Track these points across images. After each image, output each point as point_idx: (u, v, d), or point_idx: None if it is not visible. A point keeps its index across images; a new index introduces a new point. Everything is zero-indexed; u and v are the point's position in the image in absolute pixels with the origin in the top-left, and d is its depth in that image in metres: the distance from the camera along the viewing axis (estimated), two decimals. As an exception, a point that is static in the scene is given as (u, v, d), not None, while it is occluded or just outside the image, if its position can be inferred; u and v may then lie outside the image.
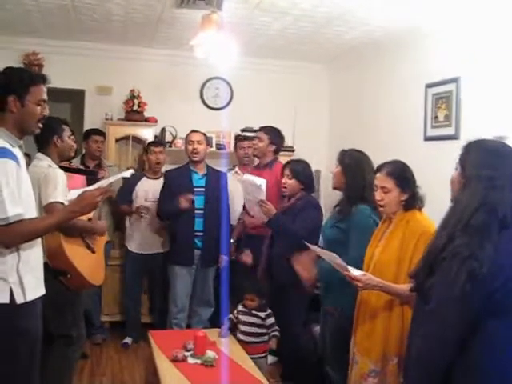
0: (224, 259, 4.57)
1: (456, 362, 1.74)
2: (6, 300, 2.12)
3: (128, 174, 2.83)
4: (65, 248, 2.81)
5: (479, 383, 1.74)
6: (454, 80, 3.98)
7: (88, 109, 5.68)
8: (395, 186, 2.72)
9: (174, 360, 3.31)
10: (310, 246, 3.00)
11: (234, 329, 3.85)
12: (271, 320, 3.77)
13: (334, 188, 3.47)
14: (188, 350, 3.42)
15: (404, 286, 2.52)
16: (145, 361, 4.38)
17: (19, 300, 2.15)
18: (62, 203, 2.81)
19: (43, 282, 2.34)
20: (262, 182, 3.93)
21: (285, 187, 3.93)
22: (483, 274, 1.65)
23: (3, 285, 2.13)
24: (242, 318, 3.81)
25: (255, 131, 5.70)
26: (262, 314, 3.78)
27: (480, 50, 3.77)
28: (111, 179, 2.77)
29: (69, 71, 5.19)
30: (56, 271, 2.45)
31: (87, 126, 5.46)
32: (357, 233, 3.10)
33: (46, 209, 2.41)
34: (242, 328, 3.80)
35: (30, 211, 2.24)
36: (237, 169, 5.15)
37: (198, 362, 3.30)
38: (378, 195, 2.77)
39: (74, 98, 6.00)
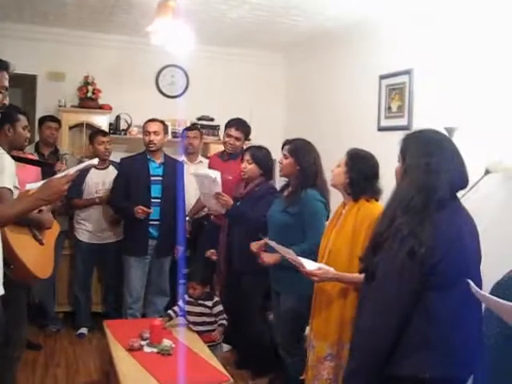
0: (180, 250, 4.56)
1: (400, 336, 1.84)
2: None
3: (95, 162, 2.75)
4: (8, 236, 2.66)
5: (422, 355, 1.84)
6: (407, 72, 4.07)
7: (40, 95, 5.54)
8: (345, 165, 2.84)
9: (130, 349, 3.30)
10: (267, 240, 3.05)
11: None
12: (218, 308, 3.77)
13: (283, 175, 3.53)
14: (144, 339, 3.42)
15: (358, 274, 2.59)
16: (100, 351, 4.36)
17: None
18: (9, 189, 2.65)
19: (2, 282, 2.22)
20: (216, 174, 3.90)
21: (244, 172, 3.95)
22: (422, 251, 1.79)
23: None
24: (189, 308, 3.80)
25: (212, 120, 5.72)
26: (209, 303, 3.77)
27: (433, 42, 3.86)
28: (79, 167, 2.62)
29: (20, 55, 5.01)
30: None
31: (39, 112, 5.32)
32: (312, 219, 3.20)
33: None
34: (191, 318, 3.79)
35: None
36: (183, 157, 5.13)
37: (155, 350, 3.31)
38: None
39: (26, 84, 5.83)
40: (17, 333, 3.02)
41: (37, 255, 2.97)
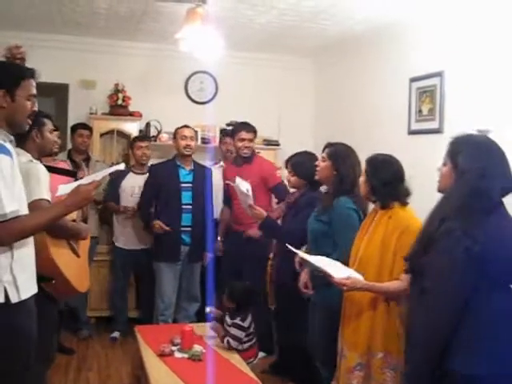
0: (208, 256, 4.57)
1: (454, 334, 1.89)
2: (1, 299, 2.06)
3: (122, 166, 2.76)
4: (51, 251, 2.68)
5: (472, 353, 1.89)
6: (438, 74, 4.01)
7: (72, 103, 5.64)
8: (365, 173, 2.82)
9: (161, 355, 3.31)
10: (295, 250, 3.00)
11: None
12: (234, 331, 3.57)
13: (318, 179, 3.45)
14: (175, 345, 3.43)
15: (388, 284, 2.60)
16: (131, 356, 4.38)
17: (14, 299, 2.09)
18: (48, 200, 2.67)
19: (36, 280, 2.27)
20: (247, 186, 3.82)
21: (289, 183, 3.89)
22: (476, 249, 1.83)
23: None
24: (230, 329, 3.64)
25: (233, 129, 5.62)
26: (229, 321, 3.62)
27: (464, 43, 3.80)
28: (105, 172, 2.65)
29: (52, 65, 5.12)
30: (39, 277, 2.35)
31: (71, 120, 5.42)
32: (341, 227, 3.11)
33: (31, 206, 2.32)
34: (230, 340, 3.62)
35: (24, 207, 2.18)
36: (222, 163, 5.16)
37: (185, 356, 3.31)
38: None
39: (58, 93, 5.94)
40: (46, 345, 2.93)
41: (76, 269, 2.96)
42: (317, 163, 3.41)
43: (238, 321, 3.60)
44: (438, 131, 3.99)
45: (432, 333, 1.92)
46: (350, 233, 2.97)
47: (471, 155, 2.01)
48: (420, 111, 4.24)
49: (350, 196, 3.15)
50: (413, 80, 4.32)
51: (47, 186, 2.74)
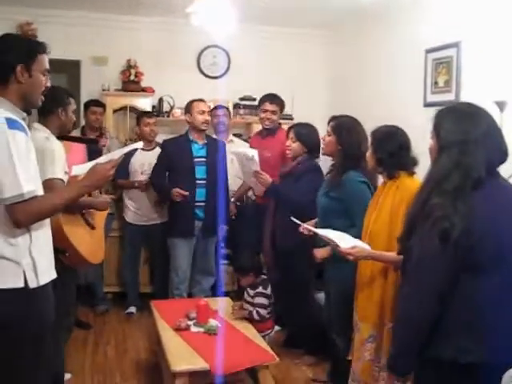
0: (223, 229, 4.58)
1: (440, 320, 1.80)
2: (21, 284, 2.01)
3: (140, 145, 2.75)
4: (63, 225, 2.71)
5: (462, 340, 1.80)
6: (455, 45, 3.93)
7: (84, 80, 5.62)
8: (371, 146, 2.83)
9: (177, 329, 3.35)
10: (301, 223, 3.00)
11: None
12: (259, 300, 3.69)
13: (325, 154, 3.46)
14: (191, 319, 3.47)
15: (395, 254, 2.56)
16: (148, 330, 4.44)
17: (32, 284, 2.03)
18: (62, 180, 2.69)
19: (54, 264, 2.24)
20: (253, 152, 3.90)
21: (289, 150, 3.91)
22: (455, 234, 1.72)
23: (16, 268, 2.01)
24: (254, 300, 3.73)
25: (254, 99, 5.66)
26: (251, 292, 3.73)
27: (481, 13, 3.71)
28: (123, 150, 2.59)
29: (63, 41, 5.09)
30: (54, 249, 2.36)
31: (84, 97, 5.41)
32: (357, 203, 3.09)
33: (44, 185, 2.31)
34: (243, 304, 3.79)
35: (40, 187, 2.11)
36: (231, 137, 5.16)
37: (201, 330, 3.35)
38: None
39: (70, 69, 5.92)
40: (65, 315, 3.04)
41: (89, 241, 3.01)
42: (322, 137, 3.41)
43: (260, 289, 3.71)
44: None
45: (411, 323, 1.84)
46: (364, 206, 2.97)
47: (452, 126, 1.87)
48: (436, 83, 4.16)
49: (358, 170, 3.15)
50: (429, 51, 4.23)
51: (62, 165, 2.75)
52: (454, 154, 1.81)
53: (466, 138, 1.81)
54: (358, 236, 2.80)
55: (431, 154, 1.97)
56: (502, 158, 1.88)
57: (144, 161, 4.83)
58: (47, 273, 2.15)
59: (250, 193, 4.85)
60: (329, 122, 3.39)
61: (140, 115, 5.03)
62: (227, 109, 5.28)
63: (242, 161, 4.08)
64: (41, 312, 2.12)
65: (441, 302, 1.78)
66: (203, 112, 4.49)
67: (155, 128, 4.93)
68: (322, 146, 3.50)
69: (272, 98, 4.60)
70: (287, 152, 3.96)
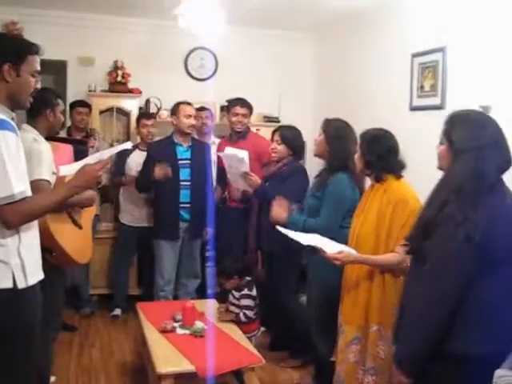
0: (209, 232, 4.58)
1: (454, 319, 1.88)
2: (10, 285, 2.01)
3: (128, 145, 2.75)
4: (49, 225, 2.71)
5: (474, 334, 1.89)
6: (441, 49, 3.96)
7: (71, 80, 5.58)
8: (359, 148, 2.84)
9: (163, 331, 3.35)
10: (283, 230, 3.01)
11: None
12: (245, 302, 3.70)
13: (316, 155, 3.49)
14: (177, 321, 3.46)
15: (382, 257, 2.64)
16: (134, 332, 4.43)
17: (21, 285, 2.04)
18: (48, 181, 2.69)
19: (41, 265, 2.24)
20: (244, 154, 3.93)
21: (274, 152, 3.93)
22: (477, 236, 1.81)
23: (5, 269, 2.01)
24: (240, 302, 3.73)
25: (228, 104, 5.59)
26: (237, 294, 3.73)
27: (466, 18, 3.75)
28: (112, 151, 2.63)
29: (50, 42, 4.87)
30: (41, 249, 2.35)
31: (70, 97, 5.36)
32: (330, 201, 3.15)
33: (31, 186, 2.31)
34: (229, 306, 3.79)
35: (29, 188, 2.10)
36: (214, 139, 5.15)
37: (187, 332, 3.34)
38: None
39: (56, 70, 5.88)
40: (54, 315, 3.06)
41: (76, 240, 3.01)
42: (315, 138, 3.45)
43: (246, 291, 3.72)
44: (439, 107, 3.95)
45: (429, 322, 1.90)
46: (336, 209, 3.03)
47: (466, 134, 1.95)
48: (422, 87, 4.20)
49: (347, 172, 3.18)
50: (415, 55, 4.27)
51: (49, 166, 2.75)
52: (470, 158, 1.90)
53: (481, 144, 1.90)
54: (312, 226, 2.91)
55: (441, 158, 2.05)
56: (507, 165, 1.97)
57: (139, 160, 4.79)
58: (35, 273, 2.15)
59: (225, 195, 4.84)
60: (322, 124, 3.43)
61: (139, 117, 5.08)
62: (210, 111, 5.26)
63: (230, 162, 4.09)
64: (29, 312, 2.11)
65: (459, 300, 1.87)
66: (189, 116, 4.49)
67: (153, 129, 4.97)
68: (314, 146, 3.51)
69: (242, 102, 4.64)
70: (272, 155, 3.97)
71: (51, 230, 2.73)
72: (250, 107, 4.66)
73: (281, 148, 3.89)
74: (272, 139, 3.99)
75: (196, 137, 5.00)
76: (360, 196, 3.14)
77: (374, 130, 2.85)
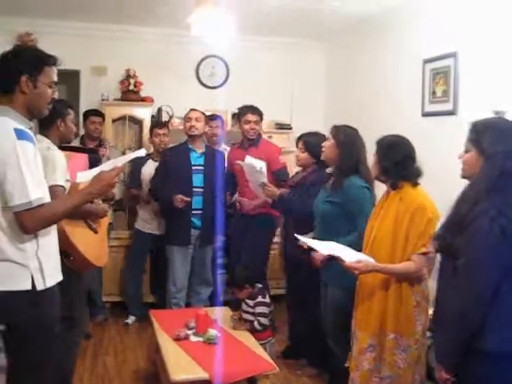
0: (219, 239, 4.59)
1: (490, 313, 1.94)
2: (28, 286, 2.10)
3: (142, 153, 2.78)
4: (66, 230, 2.78)
5: (508, 331, 1.94)
6: (452, 55, 3.95)
7: (84, 90, 5.64)
8: (375, 155, 2.84)
9: (177, 339, 3.34)
10: (301, 238, 3.00)
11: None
12: (260, 309, 3.68)
13: (325, 159, 3.49)
14: (190, 329, 3.46)
15: (400, 266, 2.63)
16: (147, 340, 4.43)
17: (39, 286, 2.12)
18: (63, 186, 2.76)
19: (60, 268, 2.33)
20: (261, 164, 3.93)
21: (298, 160, 3.93)
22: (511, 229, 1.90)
23: (24, 271, 2.10)
24: (255, 310, 3.73)
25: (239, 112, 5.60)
26: (251, 302, 3.72)
27: (478, 23, 3.74)
28: (126, 158, 2.69)
29: (63, 52, 4.85)
30: (59, 253, 2.44)
31: (83, 106, 5.42)
32: (359, 206, 3.14)
33: None
34: (242, 314, 3.77)
35: (47, 195, 2.19)
36: (224, 146, 5.18)
37: (201, 340, 3.34)
38: None
39: (70, 79, 5.93)
40: (80, 316, 3.20)
41: (92, 244, 3.08)
42: (323, 144, 3.45)
43: (260, 299, 3.71)
44: (451, 113, 3.94)
45: (466, 312, 1.96)
46: (367, 210, 3.01)
47: (496, 139, 2.04)
48: (434, 93, 4.19)
49: (358, 174, 3.21)
50: (426, 61, 4.26)
51: (63, 172, 2.83)
52: (499, 161, 2.01)
53: (509, 148, 2.02)
54: (354, 241, 2.83)
55: (468, 166, 2.13)
56: None
57: (153, 170, 4.82)
58: (54, 276, 2.23)
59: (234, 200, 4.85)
60: (330, 131, 3.44)
61: (151, 126, 5.11)
62: (221, 119, 5.27)
63: (250, 171, 4.10)
64: (48, 313, 2.20)
65: (494, 293, 1.92)
66: (189, 119, 4.53)
67: (166, 139, 4.99)
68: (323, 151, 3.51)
69: (253, 109, 4.64)
70: (296, 162, 3.98)
71: (67, 233, 2.80)
72: (260, 114, 4.67)
73: (304, 156, 3.87)
74: (296, 146, 3.98)
75: (225, 146, 5.11)
76: (373, 198, 3.20)
77: (390, 137, 2.85)
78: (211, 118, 5.12)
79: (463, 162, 2.16)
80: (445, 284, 2.15)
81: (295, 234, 3.11)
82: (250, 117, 4.59)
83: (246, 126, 4.61)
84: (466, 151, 2.13)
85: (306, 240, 2.97)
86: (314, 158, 3.83)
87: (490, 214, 1.93)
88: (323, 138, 3.86)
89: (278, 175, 4.50)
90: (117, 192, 4.84)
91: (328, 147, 3.40)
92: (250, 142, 4.65)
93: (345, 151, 3.29)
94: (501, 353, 1.93)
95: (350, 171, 3.24)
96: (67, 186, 2.84)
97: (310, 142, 3.86)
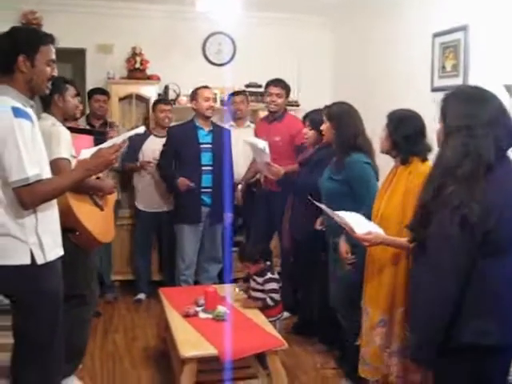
0: (228, 216, 4.59)
1: (459, 304, 1.80)
2: (28, 261, 2.18)
3: (141, 130, 2.81)
4: (72, 205, 2.81)
5: (481, 323, 1.81)
6: (462, 28, 3.88)
7: (89, 68, 5.61)
8: (386, 128, 2.79)
9: (186, 315, 3.36)
10: (319, 204, 3.00)
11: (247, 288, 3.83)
12: (270, 285, 3.65)
13: (326, 142, 3.49)
14: (199, 306, 3.47)
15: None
16: (156, 317, 4.46)
17: (40, 261, 2.20)
18: (67, 159, 2.81)
19: (61, 243, 2.39)
20: (263, 144, 3.89)
21: (306, 138, 3.93)
22: (474, 220, 1.72)
23: (23, 246, 2.18)
24: (265, 286, 3.70)
25: (259, 86, 5.64)
26: (260, 279, 3.68)
27: (489, -4, 3.67)
28: (125, 135, 2.73)
29: (68, 30, 5.05)
30: (64, 229, 2.48)
31: (90, 85, 5.39)
32: (364, 183, 3.13)
33: (51, 165, 2.43)
34: (251, 293, 3.76)
35: (46, 171, 2.27)
36: (232, 123, 5.14)
37: (210, 316, 3.35)
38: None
39: (75, 58, 5.91)
40: (90, 291, 3.22)
41: (99, 221, 3.10)
42: (321, 127, 3.43)
43: (269, 275, 3.69)
44: (462, 88, 3.89)
45: (433, 310, 1.83)
46: (372, 186, 3.04)
47: (458, 111, 1.86)
48: (443, 67, 4.13)
49: (360, 151, 3.19)
50: (436, 35, 4.19)
51: (68, 147, 2.88)
52: (461, 140, 1.80)
53: (473, 122, 1.80)
54: (367, 217, 2.79)
55: (438, 139, 1.97)
56: (511, 141, 1.87)
57: (155, 147, 4.82)
58: (54, 250, 2.30)
59: (258, 175, 4.82)
60: (324, 112, 3.42)
61: (156, 102, 5.08)
62: (245, 94, 5.22)
63: (254, 150, 4.09)
64: (50, 286, 2.27)
65: (460, 286, 1.78)
66: (208, 99, 4.49)
67: (170, 115, 4.98)
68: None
69: (276, 82, 4.61)
70: (305, 140, 3.96)
71: (73, 210, 2.83)
72: (285, 87, 4.61)
73: (311, 133, 3.87)
74: (304, 124, 3.98)
75: (231, 121, 5.07)
76: (376, 172, 3.19)
77: (401, 111, 2.81)
78: (235, 94, 5.14)
79: (436, 135, 2.00)
80: (416, 277, 2.03)
81: (310, 199, 3.10)
82: (272, 89, 4.56)
83: (268, 99, 4.60)
84: (438, 122, 1.96)
85: (322, 206, 2.95)
86: (322, 134, 3.82)
87: (452, 204, 1.76)
88: None
89: (299, 150, 4.46)
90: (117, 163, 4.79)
91: (326, 130, 3.40)
92: (273, 116, 4.62)
93: (339, 128, 3.28)
94: (473, 345, 1.81)
95: (348, 148, 3.22)
96: (73, 162, 2.87)
97: (315, 119, 3.84)
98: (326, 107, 3.43)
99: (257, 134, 4.66)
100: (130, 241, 5.24)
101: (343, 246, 3.16)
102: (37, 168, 2.14)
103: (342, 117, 3.30)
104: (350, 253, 3.12)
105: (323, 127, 3.42)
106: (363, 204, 3.02)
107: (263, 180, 4.60)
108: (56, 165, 2.64)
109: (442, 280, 1.80)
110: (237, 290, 3.83)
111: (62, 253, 2.37)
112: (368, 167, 3.18)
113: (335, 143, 3.33)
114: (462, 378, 1.88)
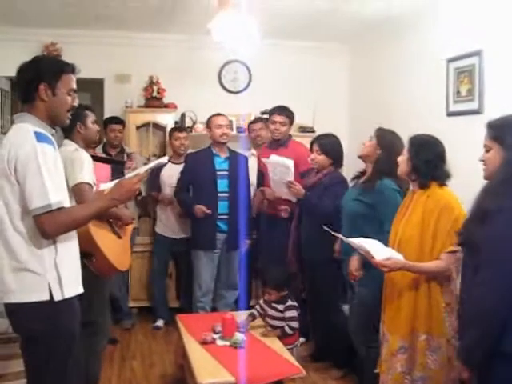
0: (245, 243, 4.61)
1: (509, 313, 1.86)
2: (46, 297, 2.07)
3: (165, 160, 2.80)
4: (90, 229, 2.78)
5: None
6: (477, 53, 3.89)
7: (108, 97, 5.71)
8: (407, 152, 2.80)
9: (203, 342, 3.35)
10: (336, 234, 3.00)
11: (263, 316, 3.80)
12: (291, 313, 3.63)
13: (360, 156, 3.49)
14: (216, 333, 3.46)
15: (429, 264, 2.60)
16: (173, 344, 4.45)
17: (57, 297, 2.09)
18: (90, 184, 2.81)
19: (81, 279, 2.29)
20: (290, 162, 3.95)
21: (315, 162, 3.96)
22: None
23: (42, 281, 2.07)
24: (266, 308, 3.72)
25: (267, 113, 5.65)
26: (281, 307, 3.66)
27: (502, 21, 3.68)
28: (149, 166, 2.68)
29: (87, 60, 5.10)
30: (81, 254, 2.39)
31: (107, 114, 5.48)
32: (388, 209, 3.10)
33: (74, 190, 2.41)
34: (268, 320, 3.72)
35: (67, 199, 2.19)
36: (253, 151, 5.16)
37: (227, 343, 3.34)
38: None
39: (94, 87, 6.02)
40: (103, 320, 3.20)
41: (116, 248, 3.09)
42: (363, 142, 3.47)
43: (290, 302, 3.67)
44: (477, 112, 3.88)
45: (490, 311, 1.89)
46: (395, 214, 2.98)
47: None
48: (458, 92, 4.13)
49: (392, 178, 3.17)
50: (450, 60, 4.21)
51: (90, 172, 2.89)
52: None
53: None
54: (384, 242, 2.78)
55: (489, 165, 2.08)
56: None
57: (173, 173, 4.88)
58: (72, 286, 2.20)
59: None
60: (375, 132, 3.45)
61: (172, 130, 5.16)
62: (263, 121, 5.23)
63: (274, 169, 4.13)
64: (66, 324, 2.16)
65: None
66: (220, 126, 4.54)
67: (186, 142, 5.04)
68: (361, 149, 3.49)
69: (281, 110, 4.63)
70: (313, 165, 4.00)
71: (92, 234, 2.80)
72: (288, 115, 4.64)
73: (321, 158, 3.92)
74: (311, 150, 4.00)
75: (252, 149, 5.10)
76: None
77: (423, 136, 2.83)
78: (254, 121, 5.21)
79: (485, 162, 2.11)
80: (468, 282, 2.10)
81: (325, 228, 3.09)
82: (277, 117, 4.59)
83: (272, 127, 4.62)
84: (487, 150, 2.09)
85: (339, 235, 2.95)
86: (330, 158, 3.91)
87: (510, 207, 1.87)
88: (336, 139, 4.03)
89: (302, 176, 4.48)
90: (143, 190, 4.86)
91: (369, 146, 3.41)
92: (278, 143, 4.64)
93: (385, 154, 3.28)
94: None
95: (385, 174, 3.23)
96: (94, 187, 2.90)
97: (325, 144, 3.92)
98: (380, 129, 3.43)
99: (261, 161, 4.69)
100: (147, 268, 5.26)
101: (354, 263, 3.16)
102: (59, 195, 2.06)
103: (392, 144, 3.30)
104: (360, 271, 3.11)
105: (368, 143, 3.41)
106: (383, 229, 3.01)
107: (266, 207, 4.61)
108: (79, 189, 2.65)
109: (500, 281, 1.86)
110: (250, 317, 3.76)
111: (81, 290, 2.26)
112: (398, 195, 3.16)
113: (375, 164, 3.33)
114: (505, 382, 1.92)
